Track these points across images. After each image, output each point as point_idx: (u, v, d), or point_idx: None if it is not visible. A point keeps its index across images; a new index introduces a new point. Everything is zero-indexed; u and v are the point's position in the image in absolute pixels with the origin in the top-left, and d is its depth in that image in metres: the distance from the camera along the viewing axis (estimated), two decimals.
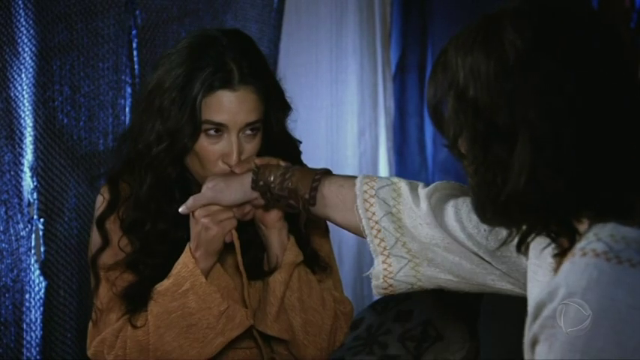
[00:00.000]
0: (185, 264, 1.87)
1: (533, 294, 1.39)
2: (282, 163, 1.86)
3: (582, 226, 1.24)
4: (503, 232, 1.44)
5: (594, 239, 1.18)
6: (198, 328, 1.87)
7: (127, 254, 1.94)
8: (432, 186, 1.70)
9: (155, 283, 1.90)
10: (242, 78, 1.83)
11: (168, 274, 1.89)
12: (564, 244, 1.27)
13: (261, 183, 1.81)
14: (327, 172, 1.80)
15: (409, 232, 1.67)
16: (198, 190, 1.89)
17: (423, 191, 1.69)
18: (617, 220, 1.19)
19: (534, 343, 1.21)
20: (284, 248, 1.92)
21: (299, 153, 2.01)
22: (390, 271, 1.71)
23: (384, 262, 1.71)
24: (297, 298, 1.93)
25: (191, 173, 1.94)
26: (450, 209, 1.64)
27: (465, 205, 1.63)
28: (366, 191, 1.72)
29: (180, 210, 1.85)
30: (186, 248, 1.88)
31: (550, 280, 1.30)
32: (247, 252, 1.95)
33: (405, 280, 1.71)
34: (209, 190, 1.83)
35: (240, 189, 1.83)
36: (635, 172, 1.22)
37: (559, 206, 1.22)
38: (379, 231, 1.70)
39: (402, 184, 1.72)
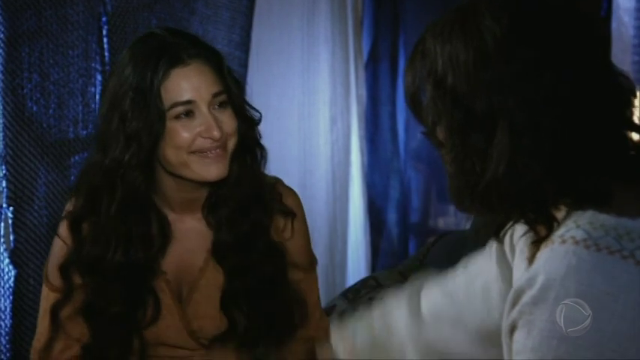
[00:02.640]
0: None
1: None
2: None
3: (560, 214, 1.24)
4: None
5: (573, 227, 1.19)
6: None
7: (83, 299, 1.88)
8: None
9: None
10: (189, 52, 1.80)
11: None
12: (542, 231, 1.27)
13: None
14: None
15: None
16: (165, 212, 1.88)
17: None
18: (596, 207, 1.20)
19: (513, 329, 1.22)
20: None
21: (257, 138, 1.94)
22: None
23: None
24: None
25: (169, 179, 1.87)
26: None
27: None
28: None
29: None
30: None
31: (525, 267, 1.30)
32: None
33: None
34: None
35: None
36: (612, 160, 1.23)
37: (537, 194, 1.23)
38: None
39: (374, 316, 1.70)
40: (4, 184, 2.44)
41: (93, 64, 2.68)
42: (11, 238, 2.47)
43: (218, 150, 1.82)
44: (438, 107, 1.27)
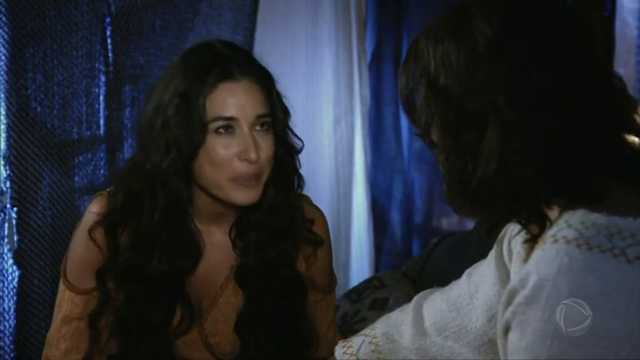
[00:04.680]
0: None
1: None
2: None
3: (553, 213, 1.25)
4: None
5: (565, 226, 1.19)
6: None
7: (116, 309, 1.84)
8: (410, 316, 1.69)
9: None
10: (242, 68, 1.76)
11: None
12: (534, 230, 1.28)
13: None
14: None
15: None
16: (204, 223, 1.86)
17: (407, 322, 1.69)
18: (587, 206, 1.20)
19: (507, 329, 1.22)
20: None
21: (296, 167, 1.90)
22: None
23: None
24: None
25: (201, 193, 1.83)
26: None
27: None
28: None
29: None
30: None
31: (521, 268, 1.30)
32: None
33: None
34: None
35: None
36: (606, 159, 1.23)
37: (528, 193, 1.23)
38: None
39: (377, 330, 1.71)
40: (8, 184, 2.44)
41: (97, 65, 2.69)
42: (15, 238, 2.47)
43: (252, 181, 1.77)
44: (432, 108, 1.28)
